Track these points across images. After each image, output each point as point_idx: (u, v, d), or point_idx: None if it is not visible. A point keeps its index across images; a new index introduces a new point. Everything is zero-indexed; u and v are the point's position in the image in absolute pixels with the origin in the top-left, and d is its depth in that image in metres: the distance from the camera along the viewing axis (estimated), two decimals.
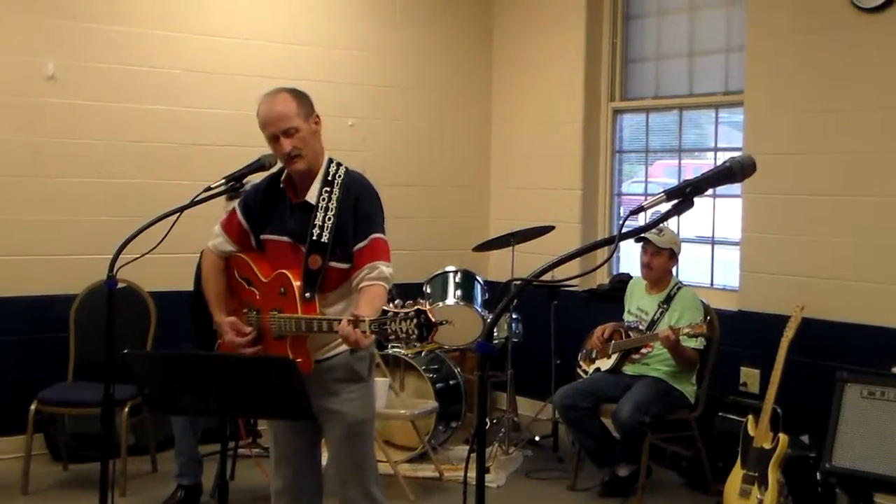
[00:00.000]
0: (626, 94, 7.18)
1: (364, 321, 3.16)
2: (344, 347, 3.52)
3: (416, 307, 3.09)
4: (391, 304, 3.15)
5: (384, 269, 3.48)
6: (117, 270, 3.56)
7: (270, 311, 3.50)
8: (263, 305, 3.55)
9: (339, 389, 3.56)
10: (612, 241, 2.15)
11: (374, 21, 7.28)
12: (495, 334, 6.39)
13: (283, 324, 3.44)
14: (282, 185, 3.61)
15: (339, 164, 3.61)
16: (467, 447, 6.39)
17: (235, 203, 3.77)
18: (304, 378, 3.22)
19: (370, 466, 3.69)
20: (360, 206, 3.54)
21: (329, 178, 3.55)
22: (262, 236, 3.66)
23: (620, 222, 2.17)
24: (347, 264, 3.51)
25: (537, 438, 6.52)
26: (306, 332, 3.42)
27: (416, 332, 3.07)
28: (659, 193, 2.21)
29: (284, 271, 3.49)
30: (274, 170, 3.68)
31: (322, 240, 3.47)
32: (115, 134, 6.26)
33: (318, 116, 3.58)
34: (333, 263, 3.49)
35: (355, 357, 3.57)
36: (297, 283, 3.45)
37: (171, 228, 3.52)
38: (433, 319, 3.07)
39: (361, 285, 3.46)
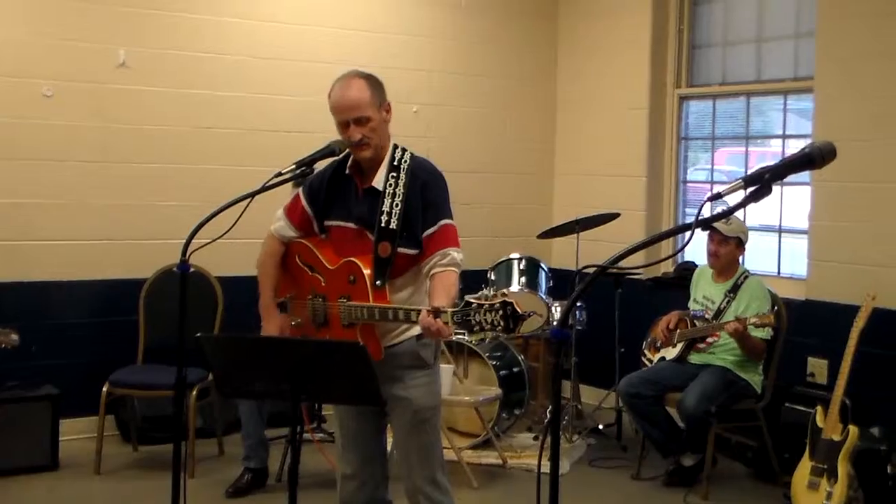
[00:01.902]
0: (692, 81, 7.11)
1: (446, 312, 3.15)
2: (410, 334, 3.54)
3: (502, 298, 3.08)
4: (475, 297, 3.14)
5: (455, 254, 3.48)
6: (189, 255, 3.59)
7: (339, 299, 3.51)
8: (330, 292, 3.56)
9: (404, 376, 3.56)
10: (689, 229, 2.13)
11: (440, 7, 7.29)
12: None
13: (354, 311, 3.45)
14: (348, 172, 3.62)
15: (404, 150, 3.60)
16: (531, 435, 6.41)
17: (300, 189, 3.78)
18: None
19: (436, 453, 3.68)
20: (428, 191, 3.53)
21: (395, 163, 3.54)
22: (326, 222, 3.66)
23: (697, 210, 2.14)
24: (416, 250, 3.51)
25: (601, 427, 6.49)
26: (380, 320, 3.42)
27: (501, 323, 3.06)
28: (737, 180, 2.18)
29: (353, 259, 3.49)
30: (340, 156, 3.68)
31: (391, 226, 3.47)
32: (185, 120, 6.35)
33: (389, 104, 3.58)
34: (402, 249, 3.49)
35: (421, 343, 3.57)
36: (367, 272, 3.44)
37: (241, 214, 3.53)
38: (520, 311, 3.06)
39: (434, 272, 3.46)
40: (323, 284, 3.59)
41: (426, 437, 3.64)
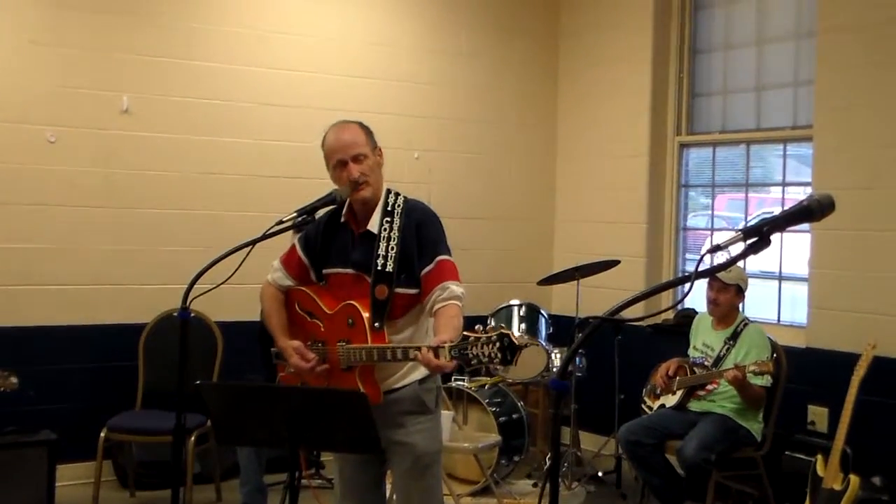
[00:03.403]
0: (692, 128, 7.15)
1: (444, 347, 3.16)
2: (412, 378, 3.56)
3: (499, 331, 3.07)
4: (475, 330, 3.13)
5: (455, 288, 3.49)
6: (190, 302, 3.60)
7: (338, 343, 3.52)
8: (329, 337, 3.57)
9: (406, 421, 3.57)
10: (688, 280, 2.14)
11: (441, 55, 7.34)
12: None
13: (353, 354, 3.46)
14: (342, 220, 3.65)
15: (397, 194, 3.65)
16: (530, 481, 6.37)
17: (296, 239, 3.80)
18: (373, 410, 3.27)
19: (437, 499, 3.68)
20: (423, 230, 3.58)
21: (389, 207, 3.60)
22: (325, 270, 3.68)
23: (697, 261, 2.15)
24: (415, 289, 3.54)
25: (600, 474, 6.46)
26: (379, 361, 3.43)
27: (498, 355, 3.05)
28: (736, 232, 2.19)
29: (352, 302, 3.51)
30: (338, 205, 3.69)
31: (387, 269, 3.50)
32: (187, 166, 6.37)
33: (381, 149, 3.65)
34: (400, 290, 3.51)
35: (423, 388, 3.59)
36: (365, 314, 3.46)
37: (243, 260, 3.55)
38: (517, 342, 3.05)
39: (436, 308, 3.47)
40: (322, 329, 3.60)
41: (427, 483, 3.64)
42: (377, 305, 3.48)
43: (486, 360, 3.07)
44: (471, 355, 3.09)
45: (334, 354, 3.53)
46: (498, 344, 3.05)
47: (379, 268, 3.50)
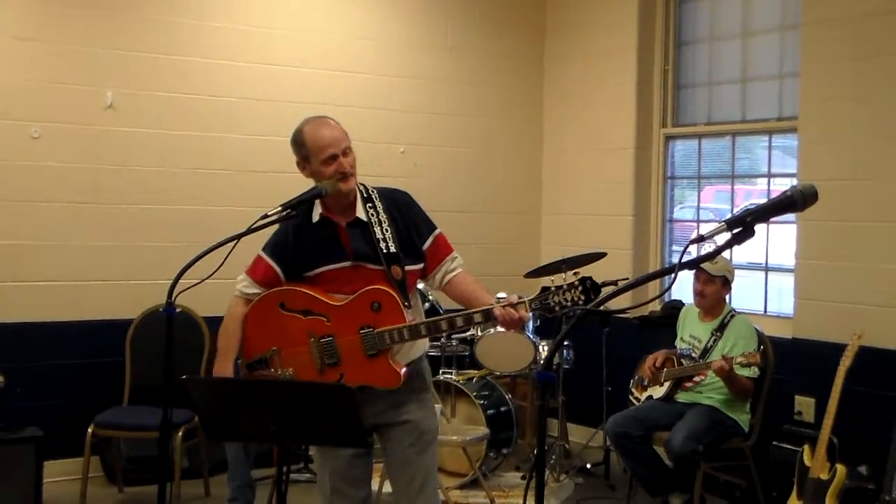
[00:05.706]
0: (678, 120, 7.16)
1: (524, 302, 3.36)
2: (415, 355, 3.65)
3: (580, 276, 3.31)
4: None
5: (459, 257, 3.74)
6: (176, 297, 3.59)
7: (361, 331, 3.50)
8: (341, 329, 3.52)
9: (409, 399, 3.62)
10: (672, 271, 2.15)
11: (427, 49, 7.33)
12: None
13: (389, 336, 3.47)
14: (317, 219, 3.62)
15: (364, 184, 3.72)
16: (518, 474, 6.38)
17: (262, 252, 3.73)
18: (376, 391, 3.44)
19: (436, 480, 3.73)
20: (411, 210, 3.71)
21: (365, 195, 3.67)
22: (311, 272, 3.62)
23: (681, 252, 2.16)
24: (420, 264, 3.67)
25: (588, 466, 6.47)
26: (428, 335, 3.55)
27: (582, 297, 3.28)
28: (720, 223, 2.20)
29: (378, 286, 3.52)
30: (296, 213, 3.64)
31: (391, 251, 3.58)
32: (172, 161, 6.35)
33: None
34: (409, 267, 3.62)
35: (422, 366, 3.70)
36: (395, 294, 3.50)
37: (228, 255, 3.53)
38: (598, 281, 3.30)
39: (448, 277, 3.67)
40: (328, 323, 3.55)
41: (429, 461, 3.68)
42: (399, 285, 3.56)
43: (569, 304, 3.31)
44: (552, 303, 3.32)
45: (353, 345, 3.51)
46: (580, 287, 3.29)
47: (384, 251, 3.57)
